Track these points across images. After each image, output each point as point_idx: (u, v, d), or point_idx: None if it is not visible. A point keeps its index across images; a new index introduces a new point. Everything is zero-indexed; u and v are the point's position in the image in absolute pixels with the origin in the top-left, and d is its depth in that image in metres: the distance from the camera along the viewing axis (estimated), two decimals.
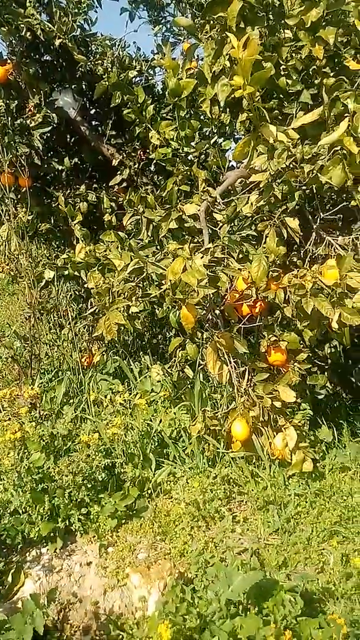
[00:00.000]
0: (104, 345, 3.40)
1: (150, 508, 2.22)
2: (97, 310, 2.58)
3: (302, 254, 2.54)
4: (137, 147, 3.65)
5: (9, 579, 1.95)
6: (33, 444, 2.23)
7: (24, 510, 2.09)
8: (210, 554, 1.98)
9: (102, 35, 3.60)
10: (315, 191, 2.47)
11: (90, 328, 3.31)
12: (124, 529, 2.13)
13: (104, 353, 3.23)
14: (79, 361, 3.18)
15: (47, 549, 2.05)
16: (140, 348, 3.49)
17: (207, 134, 3.46)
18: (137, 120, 3.29)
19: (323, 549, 2.09)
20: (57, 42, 3.27)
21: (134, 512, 2.20)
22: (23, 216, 3.18)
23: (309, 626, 1.70)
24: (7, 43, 3.20)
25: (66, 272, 3.08)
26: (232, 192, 2.86)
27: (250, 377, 2.51)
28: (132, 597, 1.91)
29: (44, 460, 2.15)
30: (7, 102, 3.23)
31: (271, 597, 1.70)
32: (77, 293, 3.79)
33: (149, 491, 2.31)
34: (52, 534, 2.05)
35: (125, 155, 3.63)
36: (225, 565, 1.81)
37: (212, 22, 2.64)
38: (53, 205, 3.54)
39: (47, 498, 2.07)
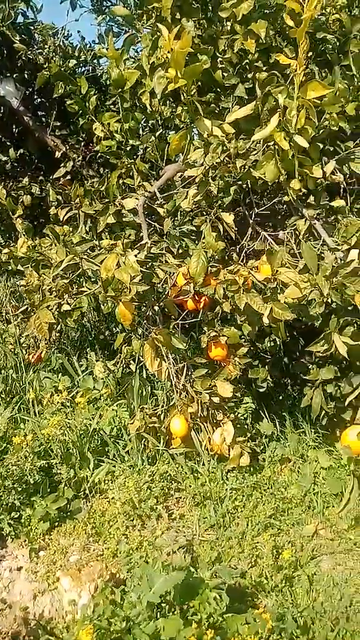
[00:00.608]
0: (50, 341, 3.34)
1: (85, 509, 2.19)
2: (28, 308, 2.52)
3: (238, 249, 2.53)
4: (81, 138, 3.57)
5: None
6: None
7: None
8: (142, 553, 1.97)
9: (42, 23, 3.49)
10: (250, 186, 2.46)
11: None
12: (57, 532, 2.10)
13: (47, 350, 3.16)
14: (25, 358, 3.11)
15: None
16: (88, 344, 3.44)
17: (154, 126, 3.40)
18: (81, 111, 3.20)
19: (257, 543, 2.10)
20: None
21: (68, 513, 2.17)
22: None
23: (235, 622, 1.71)
24: None
25: (9, 267, 3.00)
26: (172, 186, 2.82)
27: (189, 373, 2.50)
28: (63, 601, 1.88)
29: None
30: None
31: (197, 596, 1.70)
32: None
33: (85, 492, 2.28)
34: None
35: (69, 147, 3.54)
36: (153, 565, 1.79)
37: (149, 12, 2.59)
38: None
39: None
